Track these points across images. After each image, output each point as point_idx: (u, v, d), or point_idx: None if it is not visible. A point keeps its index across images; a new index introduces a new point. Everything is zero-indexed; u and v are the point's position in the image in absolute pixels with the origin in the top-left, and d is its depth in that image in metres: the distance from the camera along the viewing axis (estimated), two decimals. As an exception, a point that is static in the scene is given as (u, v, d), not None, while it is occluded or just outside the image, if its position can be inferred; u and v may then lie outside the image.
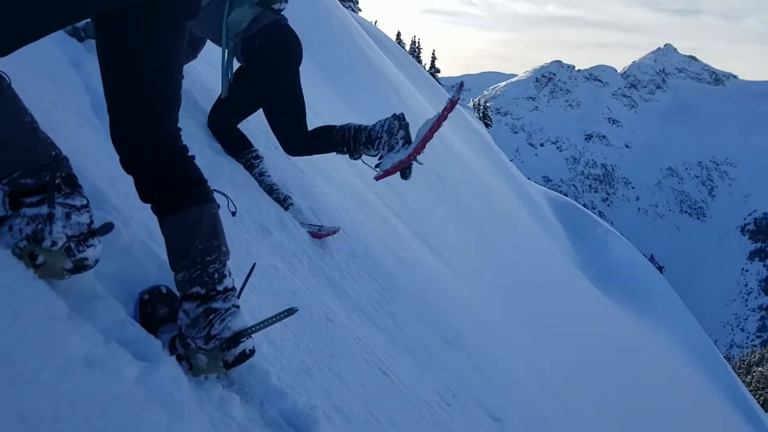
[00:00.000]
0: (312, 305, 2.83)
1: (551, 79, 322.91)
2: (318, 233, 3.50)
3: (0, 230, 1.44)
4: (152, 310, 1.78)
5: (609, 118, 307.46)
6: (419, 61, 45.33)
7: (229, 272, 1.71)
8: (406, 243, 5.59)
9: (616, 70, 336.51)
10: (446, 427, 2.87)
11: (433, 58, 51.12)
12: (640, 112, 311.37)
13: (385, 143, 3.37)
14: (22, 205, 1.44)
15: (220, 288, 1.65)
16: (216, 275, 1.65)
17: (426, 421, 2.73)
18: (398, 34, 47.03)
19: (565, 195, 40.32)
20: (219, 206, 1.74)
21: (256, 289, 2.48)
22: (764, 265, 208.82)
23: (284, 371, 2.03)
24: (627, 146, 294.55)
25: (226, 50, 3.31)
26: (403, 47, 43.45)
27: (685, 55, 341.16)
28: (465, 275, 6.67)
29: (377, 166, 3.43)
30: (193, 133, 3.32)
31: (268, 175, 3.61)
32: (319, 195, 4.27)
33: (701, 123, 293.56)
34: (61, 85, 2.59)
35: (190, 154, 1.74)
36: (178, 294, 1.69)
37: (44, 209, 1.43)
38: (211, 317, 1.62)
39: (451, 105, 3.37)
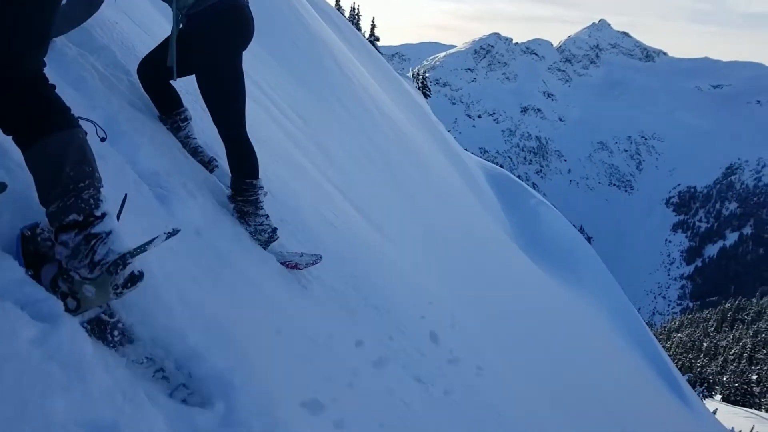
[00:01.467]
0: (236, 271, 2.77)
1: (489, 51, 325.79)
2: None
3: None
4: (34, 247, 1.67)
5: (544, 92, 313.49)
6: (358, 29, 44.77)
7: (105, 199, 1.64)
8: (338, 208, 5.56)
9: (552, 44, 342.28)
10: (371, 391, 2.89)
11: (373, 26, 50.58)
12: (574, 87, 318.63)
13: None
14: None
15: (98, 213, 1.59)
16: (92, 201, 1.59)
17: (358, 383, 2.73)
18: (337, 0, 46.26)
19: (501, 166, 41.06)
20: (86, 133, 1.67)
21: (176, 254, 2.40)
22: (686, 237, 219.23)
23: (201, 334, 1.98)
24: (561, 120, 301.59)
25: (174, 22, 2.96)
26: (342, 14, 42.79)
27: (618, 31, 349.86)
28: (398, 243, 6.69)
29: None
30: (117, 89, 3.16)
31: (194, 138, 3.46)
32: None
33: (632, 98, 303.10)
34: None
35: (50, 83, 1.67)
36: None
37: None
38: (92, 243, 1.56)
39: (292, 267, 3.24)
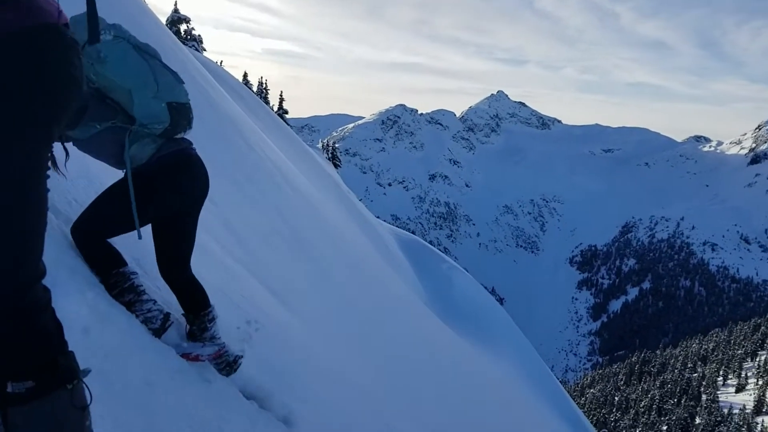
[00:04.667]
0: (132, 370, 2.57)
1: (396, 121, 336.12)
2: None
3: None
4: None
5: (450, 159, 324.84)
6: (267, 102, 45.13)
7: None
8: (248, 290, 5.38)
9: (455, 114, 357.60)
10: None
11: (281, 99, 51.11)
12: (478, 154, 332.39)
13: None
14: None
15: None
16: None
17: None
18: (245, 75, 46.55)
19: (413, 232, 41.71)
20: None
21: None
22: (591, 294, 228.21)
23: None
24: (467, 185, 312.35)
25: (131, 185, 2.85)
26: (250, 88, 43.07)
27: (515, 101, 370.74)
28: (309, 320, 6.54)
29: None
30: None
31: (219, 338, 3.32)
32: (137, 241, 3.98)
33: (532, 163, 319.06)
34: None
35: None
36: None
37: None
38: None
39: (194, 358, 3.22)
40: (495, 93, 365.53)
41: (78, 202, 3.41)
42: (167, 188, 2.94)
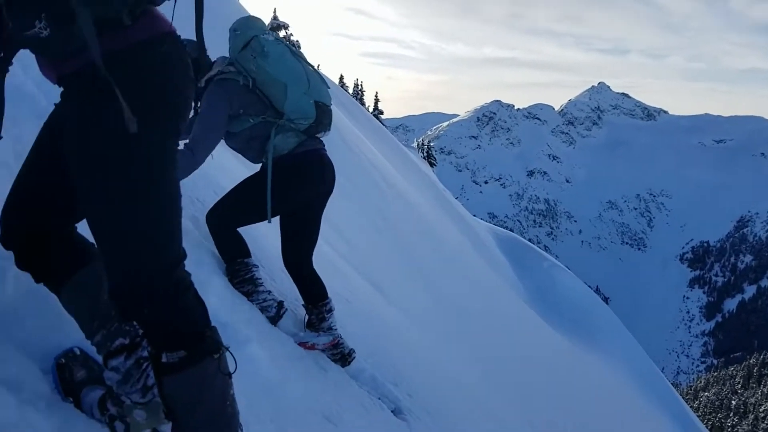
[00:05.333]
0: (257, 354, 2.75)
1: (492, 118, 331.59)
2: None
3: None
4: (70, 374, 1.70)
5: (549, 155, 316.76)
6: (362, 104, 45.85)
7: None
8: (352, 283, 5.55)
9: (553, 108, 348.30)
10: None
11: (376, 100, 51.82)
12: (578, 148, 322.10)
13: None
14: None
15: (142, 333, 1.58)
16: (134, 323, 1.57)
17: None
18: (341, 78, 47.57)
19: (511, 230, 41.00)
20: None
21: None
22: (704, 292, 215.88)
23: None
24: (567, 181, 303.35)
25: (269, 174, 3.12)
26: (346, 90, 43.93)
27: (617, 93, 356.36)
28: (411, 314, 6.64)
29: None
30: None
31: (335, 329, 3.49)
32: (259, 237, 4.21)
33: (636, 156, 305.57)
34: None
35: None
36: (97, 356, 1.63)
37: None
38: (144, 366, 1.52)
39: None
40: (596, 85, 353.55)
41: (200, 201, 3.67)
42: (299, 183, 3.19)
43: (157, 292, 1.40)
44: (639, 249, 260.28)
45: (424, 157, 47.72)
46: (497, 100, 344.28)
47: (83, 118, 1.36)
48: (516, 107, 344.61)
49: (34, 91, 2.84)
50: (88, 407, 1.62)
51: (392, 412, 3.67)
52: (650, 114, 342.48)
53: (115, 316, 1.54)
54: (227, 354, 1.50)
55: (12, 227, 1.59)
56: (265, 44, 3.08)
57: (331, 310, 3.47)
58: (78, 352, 1.76)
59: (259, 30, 3.17)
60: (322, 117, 3.22)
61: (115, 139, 1.32)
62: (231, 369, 1.49)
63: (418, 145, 53.91)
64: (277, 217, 3.32)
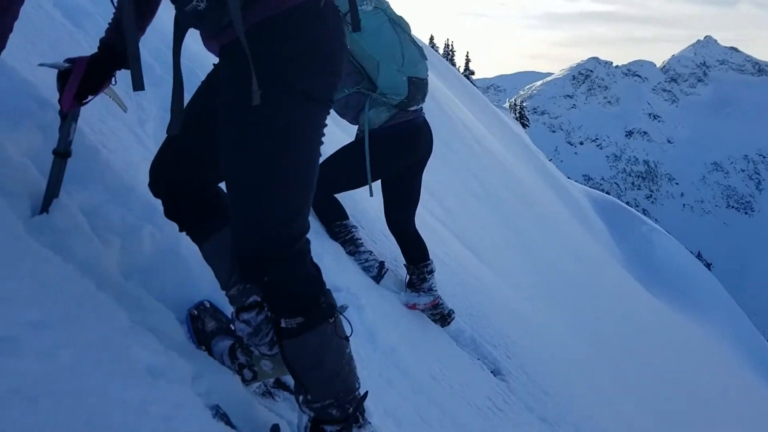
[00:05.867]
0: (366, 310, 2.84)
1: (588, 76, 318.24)
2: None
3: None
4: (202, 325, 1.83)
5: (650, 114, 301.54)
6: (453, 64, 45.15)
7: None
8: (449, 247, 5.57)
9: (655, 65, 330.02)
10: (497, 431, 2.85)
11: (467, 60, 50.87)
12: (682, 107, 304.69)
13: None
14: None
15: None
16: None
17: (478, 426, 2.71)
18: (431, 38, 47.02)
19: (607, 193, 39.63)
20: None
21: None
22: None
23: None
24: (669, 141, 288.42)
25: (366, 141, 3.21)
26: (437, 50, 43.36)
27: (725, 47, 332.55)
28: (508, 278, 6.60)
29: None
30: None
31: (436, 290, 3.57)
32: (360, 200, 4.29)
33: (745, 115, 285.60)
34: (112, 106, 2.66)
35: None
36: (224, 309, 1.73)
37: None
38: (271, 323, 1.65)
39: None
40: (702, 39, 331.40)
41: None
42: (394, 153, 3.27)
43: (279, 262, 1.45)
44: (746, 213, 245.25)
45: (517, 118, 46.66)
46: (594, 57, 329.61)
47: (232, 86, 1.42)
48: (614, 64, 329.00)
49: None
50: (219, 355, 1.74)
51: (491, 372, 3.70)
52: (762, 69, 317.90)
53: None
54: (342, 318, 1.55)
55: (162, 176, 1.69)
56: (361, 17, 3.08)
57: (432, 272, 3.52)
58: (208, 305, 1.89)
59: None
60: (416, 92, 3.25)
61: (255, 110, 1.36)
62: (347, 332, 1.54)
63: (510, 105, 52.74)
64: (378, 180, 3.39)
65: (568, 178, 34.20)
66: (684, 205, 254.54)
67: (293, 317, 1.44)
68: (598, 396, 5.26)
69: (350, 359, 1.54)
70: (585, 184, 48.39)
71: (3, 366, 1.05)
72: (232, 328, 1.70)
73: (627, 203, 40.52)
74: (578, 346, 6.50)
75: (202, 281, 1.93)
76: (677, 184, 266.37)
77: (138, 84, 1.46)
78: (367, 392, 1.56)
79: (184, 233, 1.74)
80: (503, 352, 4.04)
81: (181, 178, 1.67)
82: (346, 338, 1.53)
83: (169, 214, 1.72)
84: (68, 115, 1.68)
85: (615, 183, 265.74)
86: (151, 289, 1.74)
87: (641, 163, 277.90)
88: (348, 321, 1.57)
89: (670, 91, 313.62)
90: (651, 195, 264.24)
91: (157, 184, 1.70)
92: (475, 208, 8.64)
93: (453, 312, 3.65)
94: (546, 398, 3.91)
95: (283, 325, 1.44)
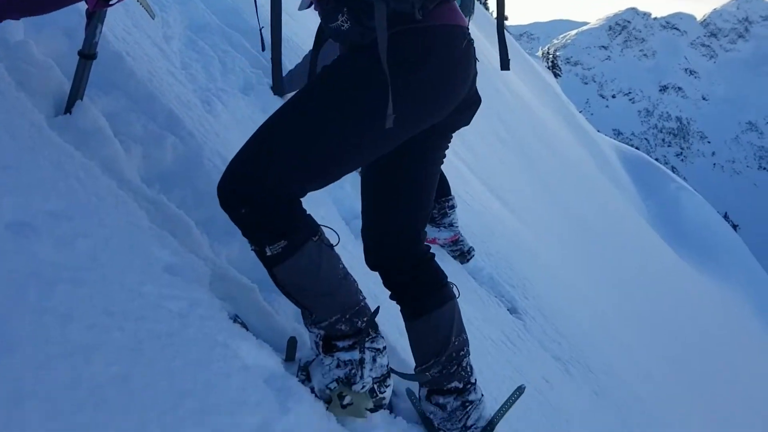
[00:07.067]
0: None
1: (625, 27, 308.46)
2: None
3: (312, 367, 1.55)
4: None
5: (686, 69, 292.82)
6: (486, 8, 44.01)
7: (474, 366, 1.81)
8: (473, 188, 5.53)
9: (695, 18, 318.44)
10: (510, 364, 2.87)
11: (501, 4, 49.45)
12: (720, 63, 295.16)
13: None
14: (335, 348, 1.51)
15: (472, 380, 1.77)
16: (468, 368, 1.76)
17: (491, 357, 2.73)
18: (466, -19, 45.65)
19: (637, 149, 38.88)
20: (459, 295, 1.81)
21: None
22: None
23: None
24: (704, 98, 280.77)
25: None
26: (471, -6, 42.14)
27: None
28: (530, 223, 6.56)
29: None
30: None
31: (456, 226, 3.53)
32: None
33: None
34: (137, 17, 2.62)
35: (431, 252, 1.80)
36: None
37: (356, 354, 1.51)
38: (467, 409, 1.73)
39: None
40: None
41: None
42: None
43: (257, 201, 1.40)
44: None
45: (549, 67, 45.67)
46: (632, 8, 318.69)
47: (347, 60, 1.44)
48: (653, 16, 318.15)
49: None
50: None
51: (508, 310, 3.71)
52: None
53: (455, 359, 1.73)
54: (325, 229, 1.53)
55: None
56: None
57: (453, 207, 3.49)
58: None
59: None
60: None
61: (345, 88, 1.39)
62: (333, 242, 1.54)
63: (542, 53, 51.53)
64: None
65: (598, 131, 33.62)
66: (714, 164, 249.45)
67: (276, 243, 1.41)
68: (613, 342, 5.28)
69: (345, 273, 1.53)
70: (614, 139, 47.54)
71: (21, 249, 1.05)
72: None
73: (656, 160, 39.82)
74: (598, 296, 6.49)
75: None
76: (709, 142, 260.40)
77: (278, 90, 1.50)
78: (378, 308, 1.55)
79: (208, 145, 1.72)
80: (521, 293, 4.04)
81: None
82: (331, 246, 1.52)
83: (400, 286, 1.77)
84: (94, 16, 1.65)
85: (645, 139, 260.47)
86: (171, 197, 1.73)
87: (673, 120, 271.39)
88: (334, 231, 1.56)
89: (708, 46, 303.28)
90: (681, 152, 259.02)
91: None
92: (500, 151, 8.55)
93: (473, 250, 3.63)
94: (561, 339, 3.92)
95: (268, 253, 1.42)
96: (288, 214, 1.43)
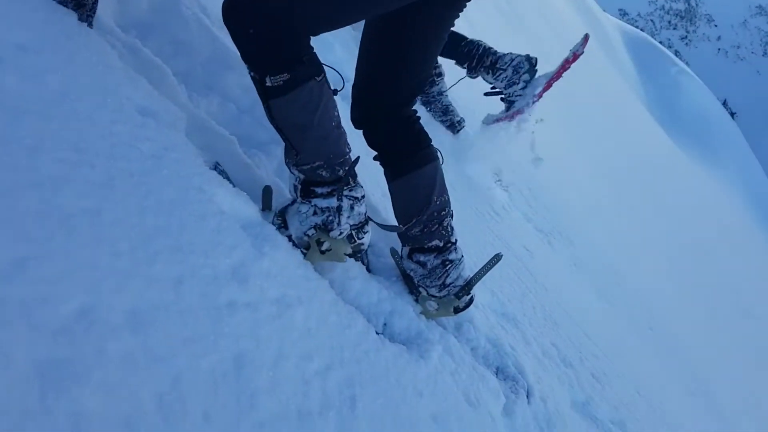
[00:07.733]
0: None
1: None
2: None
3: (288, 215, 1.56)
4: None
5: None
6: None
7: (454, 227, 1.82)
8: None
9: None
10: (492, 231, 2.93)
11: None
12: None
13: (506, 78, 3.18)
14: (313, 194, 1.52)
15: (453, 240, 1.80)
16: (449, 228, 1.78)
17: (474, 224, 2.78)
18: None
19: (642, 30, 37.74)
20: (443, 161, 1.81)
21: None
22: None
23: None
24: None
25: None
26: None
27: None
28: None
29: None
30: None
31: (446, 94, 3.47)
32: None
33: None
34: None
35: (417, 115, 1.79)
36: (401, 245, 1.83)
37: (334, 202, 1.51)
38: (447, 267, 1.77)
39: (574, 58, 3.09)
40: None
41: None
42: None
43: (271, 22, 1.36)
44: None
45: (557, -61, 43.25)
46: None
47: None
48: None
49: None
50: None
51: (495, 183, 3.74)
52: None
53: (437, 218, 1.75)
54: (326, 77, 1.50)
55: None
56: None
57: (441, 74, 3.43)
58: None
59: None
60: None
61: None
62: (336, 88, 1.54)
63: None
64: None
65: (604, 11, 32.48)
66: (719, 49, 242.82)
67: (278, 74, 1.38)
68: (597, 218, 5.37)
69: (339, 124, 1.52)
70: (620, 19, 45.95)
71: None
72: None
73: (660, 42, 38.76)
74: (593, 180, 6.52)
75: (202, 46, 1.87)
76: (716, 26, 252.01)
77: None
78: (358, 157, 1.56)
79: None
80: (508, 167, 4.05)
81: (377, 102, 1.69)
82: (335, 91, 1.53)
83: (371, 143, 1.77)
84: None
85: (651, 20, 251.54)
86: (147, 45, 1.67)
87: (681, 1, 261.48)
88: (341, 75, 1.58)
89: None
90: (686, 36, 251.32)
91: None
92: (498, 23, 8.27)
93: (463, 121, 3.61)
94: (546, 213, 3.99)
95: (268, 83, 1.39)
96: (296, 47, 1.40)
